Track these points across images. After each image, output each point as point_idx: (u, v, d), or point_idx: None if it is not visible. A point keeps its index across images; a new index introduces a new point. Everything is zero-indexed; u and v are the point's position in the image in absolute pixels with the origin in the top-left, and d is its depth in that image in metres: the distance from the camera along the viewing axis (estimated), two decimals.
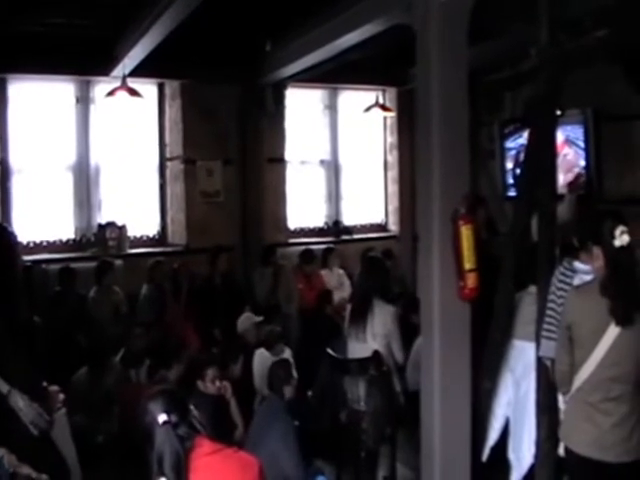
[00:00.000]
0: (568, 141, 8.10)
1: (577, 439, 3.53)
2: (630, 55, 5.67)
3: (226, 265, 8.56)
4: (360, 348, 5.48)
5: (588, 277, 3.86)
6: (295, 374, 5.75)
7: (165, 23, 6.19)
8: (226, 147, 9.33)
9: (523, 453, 4.85)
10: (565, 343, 3.59)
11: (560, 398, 3.98)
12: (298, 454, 4.99)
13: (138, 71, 7.85)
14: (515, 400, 4.96)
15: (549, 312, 4.16)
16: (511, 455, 4.99)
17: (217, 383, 5.44)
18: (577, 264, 4.08)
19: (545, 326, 4.19)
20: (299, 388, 5.75)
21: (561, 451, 3.74)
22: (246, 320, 7.28)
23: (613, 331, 3.32)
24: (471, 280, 4.55)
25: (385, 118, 10.54)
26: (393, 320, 5.51)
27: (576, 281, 4.07)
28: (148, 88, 8.99)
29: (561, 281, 4.15)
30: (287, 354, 6.64)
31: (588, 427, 3.45)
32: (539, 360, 4.39)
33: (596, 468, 3.43)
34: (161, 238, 9.41)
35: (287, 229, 9.84)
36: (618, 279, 3.35)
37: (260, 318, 7.29)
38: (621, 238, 3.32)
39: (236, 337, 7.22)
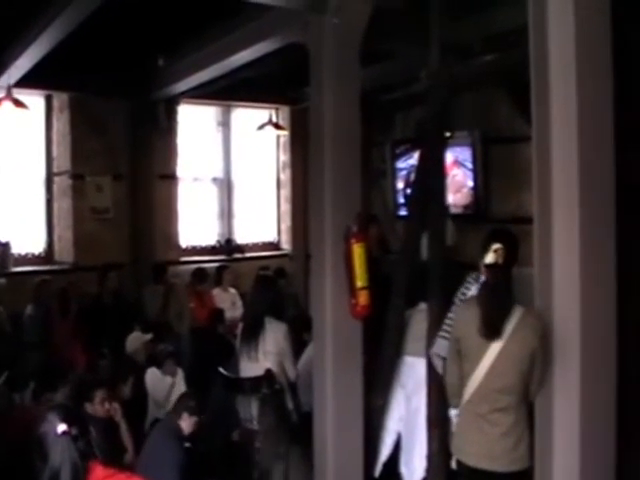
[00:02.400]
0: (457, 162, 8.33)
1: (467, 451, 3.61)
2: (514, 80, 5.89)
3: (116, 283, 8.35)
4: (252, 367, 5.45)
5: None
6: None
7: (53, 33, 6.00)
8: (116, 162, 9.13)
9: (415, 467, 4.91)
10: (454, 356, 3.68)
11: (452, 412, 4.06)
12: None
13: (24, 81, 7.57)
14: (406, 415, 5.02)
15: (451, 315, 4.25)
16: (403, 469, 5.04)
17: (106, 405, 5.28)
18: (482, 277, 4.21)
19: (444, 327, 4.28)
20: None
21: (453, 464, 3.81)
22: (135, 340, 7.11)
23: (497, 344, 3.42)
24: (363, 298, 4.60)
25: (278, 136, 10.57)
26: (285, 338, 5.51)
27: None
28: (35, 100, 8.71)
29: (464, 294, 4.27)
30: (179, 373, 6.53)
31: (478, 438, 3.53)
32: (430, 375, 4.47)
33: (485, 478, 3.51)
34: (47, 255, 9.09)
35: (179, 247, 9.69)
36: (484, 294, 3.52)
37: (149, 336, 7.14)
38: (489, 256, 3.45)
39: (125, 357, 7.04)
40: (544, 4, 3.35)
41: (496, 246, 3.47)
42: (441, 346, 4.18)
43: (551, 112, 3.34)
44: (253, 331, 5.52)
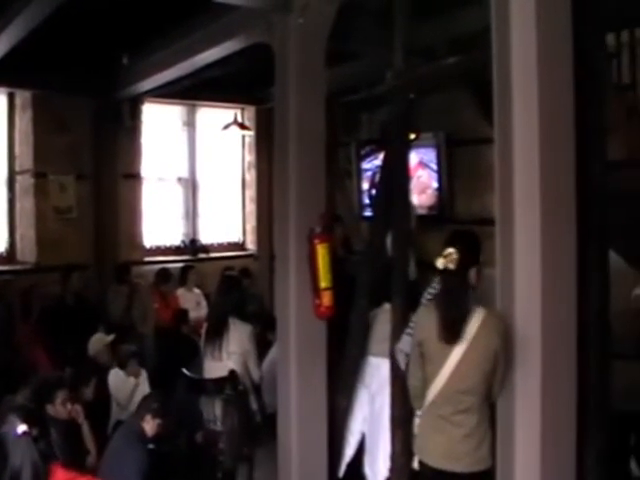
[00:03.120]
0: (422, 163, 8.37)
1: (430, 451, 3.63)
2: (478, 82, 5.94)
3: (79, 284, 8.26)
4: (216, 367, 5.43)
5: None
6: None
7: (15, 31, 5.93)
8: (80, 161, 9.01)
9: (378, 467, 4.93)
10: (417, 359, 3.69)
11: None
12: None
13: None
14: (370, 416, 5.04)
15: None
16: (367, 470, 5.05)
17: (68, 406, 5.22)
18: None
19: (411, 324, 4.29)
20: None
21: (415, 464, 3.82)
22: (97, 342, 7.03)
23: (460, 346, 3.44)
24: (327, 298, 4.62)
25: (244, 136, 10.54)
26: (249, 339, 5.50)
27: None
28: None
29: (430, 294, 4.29)
30: (142, 374, 6.48)
31: (440, 439, 3.55)
32: (393, 376, 4.48)
33: (447, 479, 3.53)
34: (9, 255, 8.94)
35: (143, 247, 9.60)
36: (440, 299, 3.57)
37: (111, 337, 7.06)
38: (439, 261, 3.48)
39: (88, 359, 6.96)
40: (507, 6, 3.38)
41: (448, 251, 3.48)
42: (406, 342, 4.20)
43: (513, 114, 3.37)
44: (217, 331, 5.50)
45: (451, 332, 3.45)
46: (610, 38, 5.84)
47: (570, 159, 3.45)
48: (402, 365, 4.27)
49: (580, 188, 3.48)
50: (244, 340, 5.45)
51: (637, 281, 5.51)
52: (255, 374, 5.51)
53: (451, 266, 3.46)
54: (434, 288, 4.24)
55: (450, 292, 3.51)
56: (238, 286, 5.98)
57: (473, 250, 3.57)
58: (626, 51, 5.93)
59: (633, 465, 5.39)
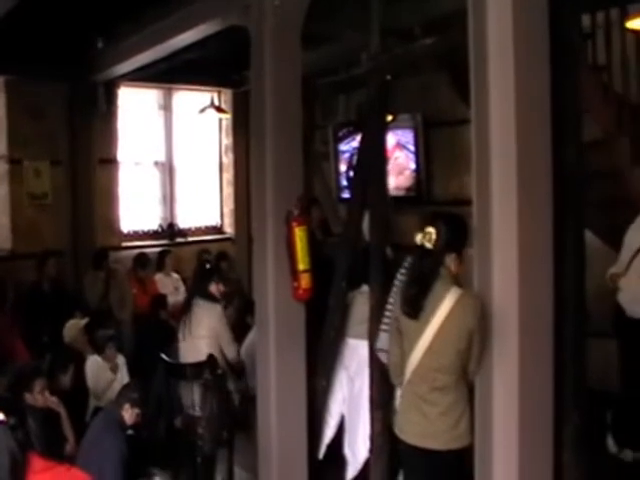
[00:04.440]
0: (399, 145, 8.39)
1: (408, 430, 3.66)
2: (455, 63, 5.93)
3: (55, 270, 8.20)
4: (188, 349, 5.43)
5: None
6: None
7: None
8: (55, 147, 8.93)
9: (358, 448, 4.95)
10: (395, 335, 3.72)
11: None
12: (122, 474, 4.81)
13: None
14: (350, 397, 5.06)
15: (389, 307, 4.28)
16: (347, 451, 5.07)
17: (46, 395, 5.19)
18: None
19: (385, 320, 4.31)
20: None
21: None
22: (72, 327, 6.98)
23: (435, 322, 3.46)
24: (305, 281, 4.61)
25: (220, 120, 10.49)
26: (219, 320, 5.46)
27: None
28: None
29: (402, 273, 4.30)
30: (121, 360, 6.46)
31: (417, 417, 3.58)
32: (372, 357, 4.50)
33: (426, 456, 3.56)
34: None
35: (120, 232, 9.54)
36: (408, 274, 3.60)
37: (85, 320, 7.01)
38: (418, 236, 3.51)
39: (65, 345, 6.92)
40: None
41: (428, 229, 3.49)
42: (384, 341, 4.22)
43: (489, 95, 3.37)
44: (186, 315, 5.51)
45: (411, 306, 3.50)
46: (585, 19, 5.86)
47: (546, 139, 3.46)
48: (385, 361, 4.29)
49: (556, 168, 3.50)
50: (212, 321, 5.42)
51: (612, 260, 5.57)
52: (231, 356, 5.48)
53: (428, 245, 3.47)
54: (406, 268, 4.26)
55: (418, 268, 3.54)
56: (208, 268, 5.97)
57: (455, 234, 3.56)
58: (601, 32, 5.95)
59: (610, 442, 5.47)
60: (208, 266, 6.09)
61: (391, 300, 4.24)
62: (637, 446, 5.33)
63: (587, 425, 3.75)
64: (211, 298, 5.51)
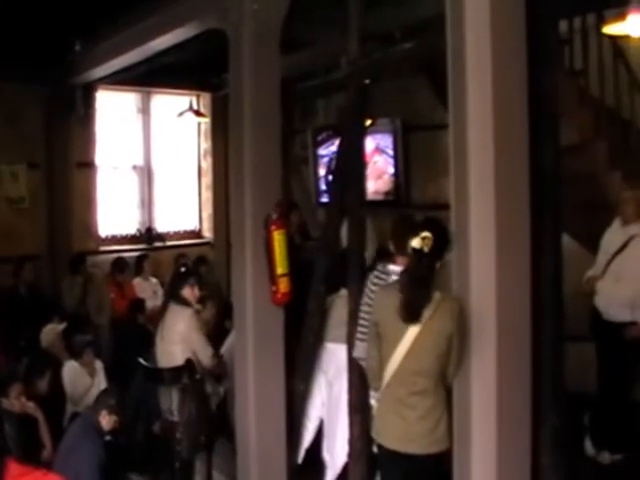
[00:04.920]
0: (378, 149, 8.42)
1: (386, 434, 3.66)
2: (434, 67, 5.96)
3: (32, 275, 8.14)
4: (163, 354, 5.39)
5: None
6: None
7: None
8: (32, 150, 8.85)
9: (337, 452, 4.95)
10: (374, 339, 3.71)
11: (372, 395, 4.10)
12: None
13: None
14: (328, 401, 5.06)
15: (362, 315, 4.28)
16: (326, 455, 5.08)
17: (23, 400, 5.14)
18: (391, 267, 4.24)
19: (359, 328, 4.31)
20: None
21: (374, 448, 3.85)
22: (49, 332, 6.93)
23: (414, 327, 3.46)
24: (283, 285, 4.61)
25: (199, 124, 10.45)
26: (188, 325, 5.39)
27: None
28: None
29: (375, 284, 4.28)
30: (98, 365, 6.41)
31: (396, 421, 3.57)
32: (351, 361, 4.49)
33: (404, 460, 3.56)
34: None
35: (98, 236, 9.47)
36: (407, 281, 3.52)
37: (63, 325, 6.96)
38: (416, 240, 3.46)
39: (42, 350, 6.86)
40: None
41: (425, 234, 3.48)
42: (361, 349, 4.23)
43: (467, 99, 3.39)
44: (160, 319, 5.51)
45: (412, 313, 3.45)
46: (563, 24, 5.92)
47: (524, 143, 3.48)
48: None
49: (534, 172, 3.52)
50: (182, 326, 5.36)
51: (590, 263, 5.61)
52: (206, 361, 5.40)
53: (426, 249, 3.46)
54: (377, 276, 4.27)
55: (418, 274, 3.49)
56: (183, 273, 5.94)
57: (442, 240, 3.55)
58: (578, 37, 6.00)
59: (588, 444, 5.50)
60: (183, 269, 6.02)
61: (364, 308, 4.24)
62: (614, 448, 5.37)
63: (565, 427, 3.77)
64: (184, 302, 5.46)
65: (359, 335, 4.28)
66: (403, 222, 4.37)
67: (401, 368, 3.51)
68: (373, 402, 4.07)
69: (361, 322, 4.28)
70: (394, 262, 4.21)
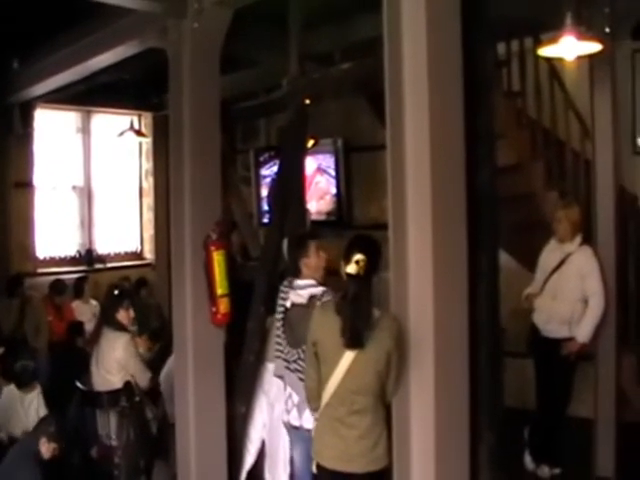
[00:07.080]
0: (320, 169, 8.45)
1: (326, 454, 3.63)
2: (373, 88, 6.03)
3: None
4: (102, 381, 5.30)
5: (303, 292, 4.23)
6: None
7: None
8: None
9: (279, 473, 4.90)
10: (312, 359, 3.68)
11: (310, 416, 4.08)
12: None
13: None
14: (270, 422, 5.01)
15: (277, 332, 4.28)
16: (267, 475, 5.02)
17: None
18: (297, 281, 4.32)
19: (275, 346, 4.31)
20: None
21: (314, 468, 3.83)
22: None
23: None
24: (223, 305, 4.59)
25: (140, 143, 10.37)
26: (125, 349, 5.31)
27: (292, 296, 4.32)
28: None
29: (281, 298, 4.36)
30: (37, 390, 6.25)
31: (335, 441, 3.55)
32: None
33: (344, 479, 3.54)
34: None
35: (35, 258, 9.29)
36: (346, 305, 3.47)
37: (1, 350, 6.78)
38: (350, 266, 3.45)
39: None
40: (398, 15, 3.42)
41: (358, 257, 3.46)
42: (280, 367, 4.24)
43: (405, 120, 3.41)
44: (95, 344, 5.43)
45: (355, 340, 3.42)
46: (501, 47, 6.04)
47: (460, 164, 3.52)
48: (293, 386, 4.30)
49: (470, 192, 3.56)
50: (117, 353, 5.28)
51: (528, 281, 5.70)
52: (142, 383, 5.32)
53: (361, 272, 3.45)
54: (282, 291, 4.34)
55: (358, 298, 3.45)
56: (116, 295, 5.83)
57: (376, 256, 3.55)
58: (516, 59, 6.14)
59: (527, 459, 5.57)
60: (117, 292, 5.87)
61: (277, 324, 4.26)
62: (553, 462, 5.44)
63: (504, 443, 3.81)
64: (119, 327, 5.37)
65: (276, 353, 4.29)
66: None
67: (341, 387, 3.49)
68: (312, 422, 4.04)
69: (276, 340, 4.30)
70: (300, 276, 4.30)
